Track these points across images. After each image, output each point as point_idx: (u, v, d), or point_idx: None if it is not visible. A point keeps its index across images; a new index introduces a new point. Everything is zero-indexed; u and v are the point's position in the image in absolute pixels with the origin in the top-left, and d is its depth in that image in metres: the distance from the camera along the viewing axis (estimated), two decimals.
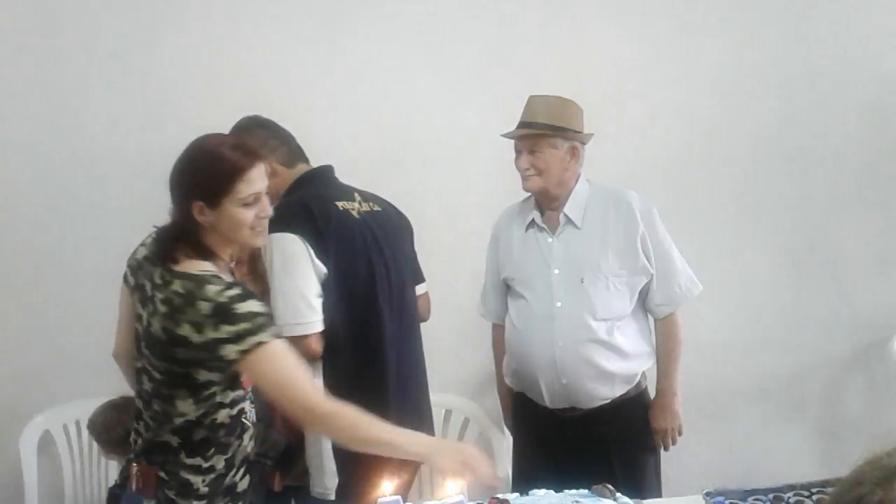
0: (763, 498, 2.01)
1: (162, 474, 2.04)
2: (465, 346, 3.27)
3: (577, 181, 2.67)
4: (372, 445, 1.95)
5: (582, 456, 2.56)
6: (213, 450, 2.04)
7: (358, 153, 3.27)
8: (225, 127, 2.21)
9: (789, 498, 2.00)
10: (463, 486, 1.84)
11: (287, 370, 1.93)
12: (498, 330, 2.86)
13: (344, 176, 2.56)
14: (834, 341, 3.61)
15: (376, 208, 2.53)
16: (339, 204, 2.41)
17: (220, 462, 2.06)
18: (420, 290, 2.68)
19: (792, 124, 3.51)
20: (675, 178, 3.47)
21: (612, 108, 3.44)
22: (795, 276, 3.58)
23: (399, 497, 1.84)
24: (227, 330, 1.88)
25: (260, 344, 1.88)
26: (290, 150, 2.52)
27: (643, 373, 2.72)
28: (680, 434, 2.77)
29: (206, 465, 2.04)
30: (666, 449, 2.77)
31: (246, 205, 1.94)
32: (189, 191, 1.94)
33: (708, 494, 2.04)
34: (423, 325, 2.70)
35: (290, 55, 3.29)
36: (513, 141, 2.64)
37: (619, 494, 1.94)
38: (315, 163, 2.57)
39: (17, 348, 3.24)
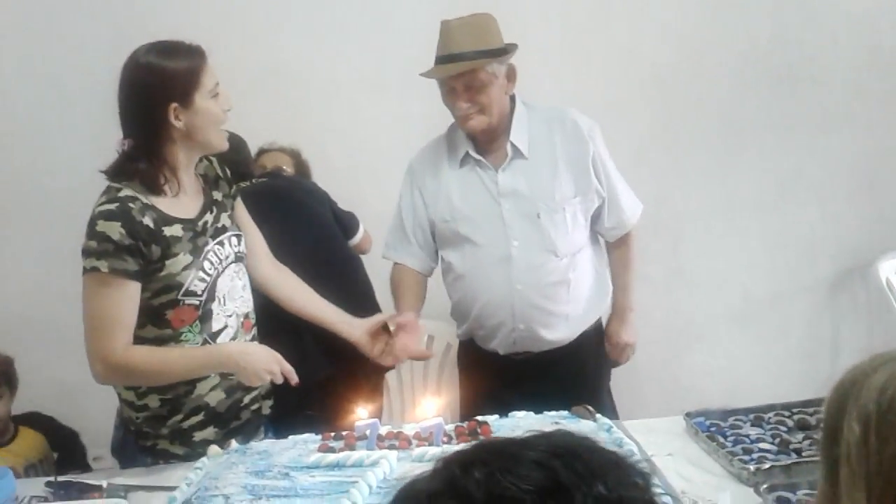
0: (744, 418, 2.01)
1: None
2: None
3: (513, 104, 2.35)
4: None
5: (536, 399, 2.13)
6: (143, 386, 1.99)
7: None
8: None
9: (770, 418, 2.00)
10: (440, 408, 1.82)
11: (102, 310, 1.88)
12: (403, 271, 2.47)
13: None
14: (817, 264, 3.61)
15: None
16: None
17: (153, 401, 1.99)
18: (356, 238, 2.91)
19: (781, 43, 3.42)
20: (662, 101, 3.40)
21: (597, 29, 3.35)
22: (781, 199, 3.54)
23: (377, 420, 1.83)
24: (84, 242, 1.87)
25: (94, 269, 1.84)
26: None
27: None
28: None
29: (138, 402, 2.00)
30: (623, 362, 2.62)
31: (213, 96, 1.93)
32: (162, 95, 1.88)
33: (688, 415, 2.03)
34: None
35: None
36: (428, 77, 2.27)
37: (598, 416, 1.94)
38: None
39: None
